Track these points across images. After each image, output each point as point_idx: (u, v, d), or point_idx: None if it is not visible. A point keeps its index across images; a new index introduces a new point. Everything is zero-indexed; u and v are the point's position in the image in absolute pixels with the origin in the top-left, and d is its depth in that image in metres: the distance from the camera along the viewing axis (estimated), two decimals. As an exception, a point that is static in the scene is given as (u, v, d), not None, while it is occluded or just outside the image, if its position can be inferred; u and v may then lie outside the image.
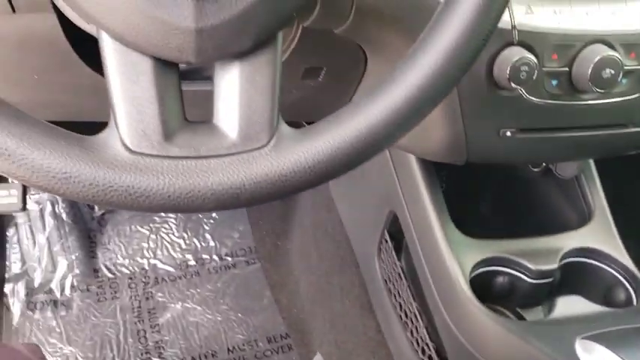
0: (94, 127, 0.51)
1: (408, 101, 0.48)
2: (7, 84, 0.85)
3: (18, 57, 0.79)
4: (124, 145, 0.45)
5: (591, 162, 1.08)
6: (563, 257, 1.00)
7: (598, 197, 1.06)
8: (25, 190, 1.19)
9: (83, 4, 0.43)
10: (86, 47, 0.78)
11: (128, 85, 0.45)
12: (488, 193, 1.22)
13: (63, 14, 0.69)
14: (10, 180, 1.22)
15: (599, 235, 1.03)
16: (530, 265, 0.98)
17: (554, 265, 0.98)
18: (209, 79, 0.50)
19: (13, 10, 0.68)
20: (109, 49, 0.45)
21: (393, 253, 1.22)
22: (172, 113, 0.47)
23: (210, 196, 0.46)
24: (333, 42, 0.78)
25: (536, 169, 1.09)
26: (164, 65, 0.46)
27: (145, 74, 0.45)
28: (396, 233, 1.20)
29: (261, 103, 0.48)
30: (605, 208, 1.05)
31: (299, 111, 1.01)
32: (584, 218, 1.06)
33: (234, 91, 0.48)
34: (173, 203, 0.46)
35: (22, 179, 0.45)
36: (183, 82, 0.49)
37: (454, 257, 0.97)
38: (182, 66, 0.48)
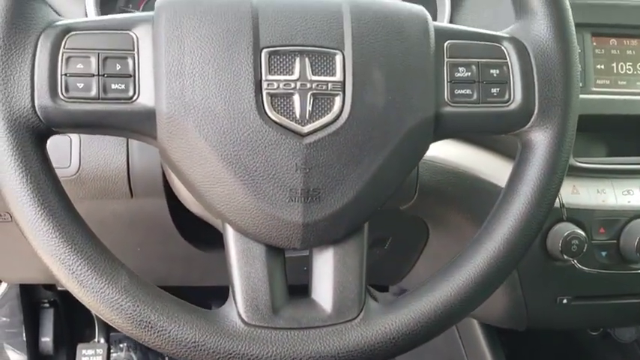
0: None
1: (477, 281, 0.57)
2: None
3: (127, 233, 0.92)
4: (241, 317, 0.55)
5: (649, 326, 1.11)
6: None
7: (660, 361, 1.08)
8: (109, 350, 1.28)
9: (215, 204, 0.54)
10: (182, 222, 0.91)
11: (245, 267, 0.56)
12: (550, 356, 1.25)
13: (171, 198, 0.82)
14: (96, 339, 1.31)
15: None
16: None
17: None
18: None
19: (132, 196, 0.82)
20: (231, 237, 0.56)
21: (458, 416, 1.23)
22: (279, 290, 0.56)
23: None
24: (398, 216, 0.88)
25: (594, 333, 1.13)
26: (274, 250, 0.56)
27: (258, 258, 0.56)
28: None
29: (351, 281, 0.57)
30: (669, 372, 1.07)
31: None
32: (647, 383, 1.08)
33: (328, 271, 0.57)
34: None
35: (157, 347, 0.54)
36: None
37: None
38: None
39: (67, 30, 0.52)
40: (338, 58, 0.53)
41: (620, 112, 0.86)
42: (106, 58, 0.52)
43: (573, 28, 0.59)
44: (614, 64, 0.87)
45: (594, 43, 0.87)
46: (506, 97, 0.58)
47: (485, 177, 0.84)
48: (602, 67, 0.87)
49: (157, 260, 1.02)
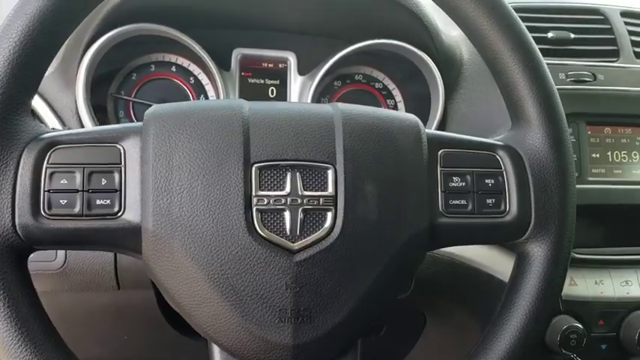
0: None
1: None
2: (99, 343, 0.94)
3: (114, 323, 0.89)
4: None
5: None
6: None
7: None
8: None
9: (202, 324, 0.52)
10: (170, 311, 0.88)
11: None
12: None
13: (158, 289, 0.80)
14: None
15: None
16: None
17: None
18: None
19: (119, 288, 0.80)
20: (217, 356, 0.54)
21: None
22: None
23: None
24: (395, 304, 0.86)
25: None
26: None
27: None
28: None
29: None
30: None
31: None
32: None
33: None
34: None
35: None
36: None
37: None
38: None
39: (51, 144, 0.51)
40: (330, 173, 0.52)
41: (616, 201, 0.85)
42: (91, 173, 0.51)
43: (569, 136, 0.58)
44: (609, 153, 0.87)
45: (589, 132, 0.86)
46: (502, 207, 0.57)
47: (483, 268, 0.82)
48: (598, 155, 0.86)
49: (145, 348, 0.99)
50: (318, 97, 0.92)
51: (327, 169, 0.52)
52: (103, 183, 0.51)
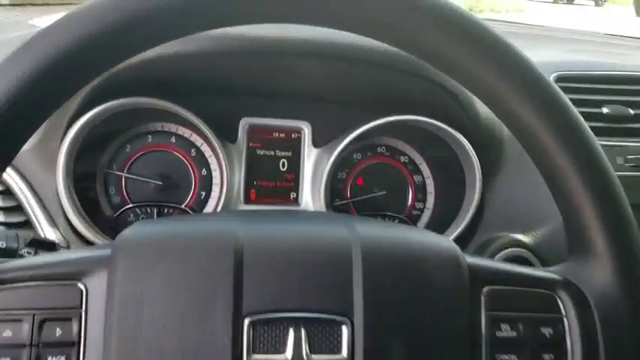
0: None
1: None
2: None
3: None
4: None
5: None
6: None
7: None
8: None
9: None
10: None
11: None
12: None
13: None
14: None
15: None
16: None
17: None
18: None
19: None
20: None
21: None
22: None
23: None
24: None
25: None
26: None
27: None
28: None
29: None
30: None
31: None
32: None
33: None
34: None
35: None
36: None
37: None
38: None
39: None
40: (345, 329, 0.41)
41: None
42: (43, 321, 0.41)
43: None
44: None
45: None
46: None
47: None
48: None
49: None
50: (334, 171, 0.81)
51: (342, 323, 0.41)
52: (57, 334, 0.41)
